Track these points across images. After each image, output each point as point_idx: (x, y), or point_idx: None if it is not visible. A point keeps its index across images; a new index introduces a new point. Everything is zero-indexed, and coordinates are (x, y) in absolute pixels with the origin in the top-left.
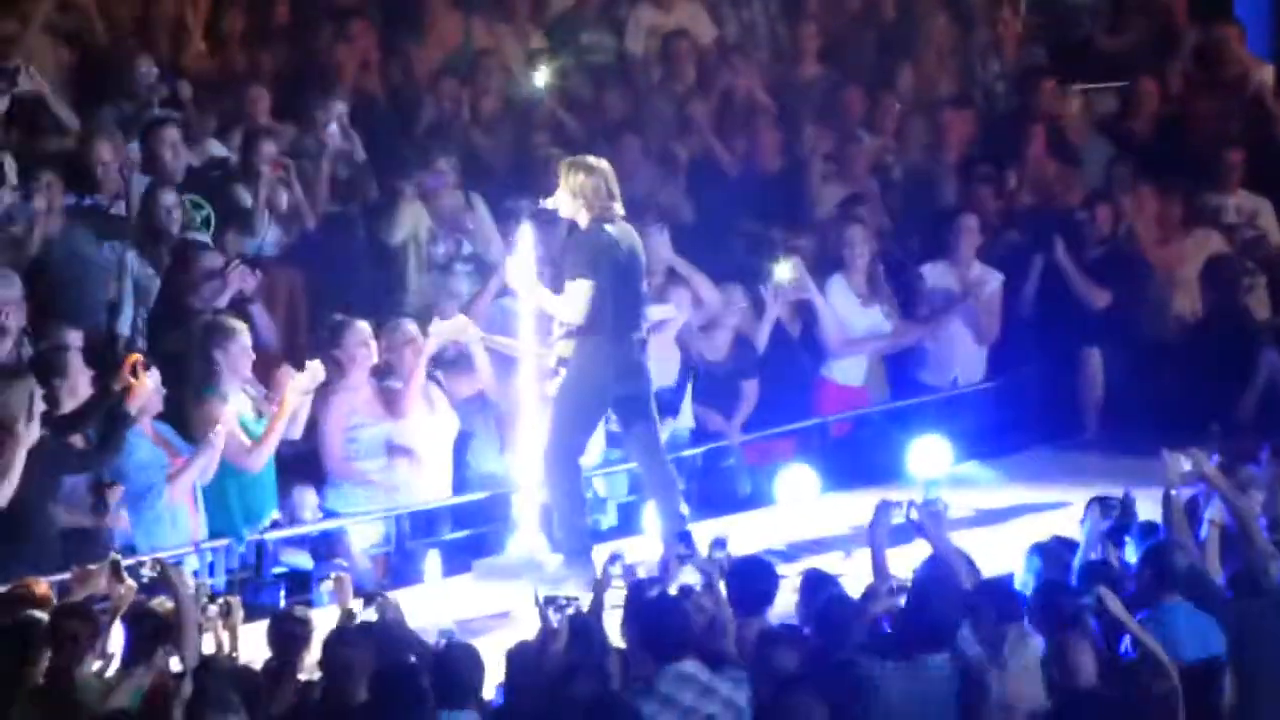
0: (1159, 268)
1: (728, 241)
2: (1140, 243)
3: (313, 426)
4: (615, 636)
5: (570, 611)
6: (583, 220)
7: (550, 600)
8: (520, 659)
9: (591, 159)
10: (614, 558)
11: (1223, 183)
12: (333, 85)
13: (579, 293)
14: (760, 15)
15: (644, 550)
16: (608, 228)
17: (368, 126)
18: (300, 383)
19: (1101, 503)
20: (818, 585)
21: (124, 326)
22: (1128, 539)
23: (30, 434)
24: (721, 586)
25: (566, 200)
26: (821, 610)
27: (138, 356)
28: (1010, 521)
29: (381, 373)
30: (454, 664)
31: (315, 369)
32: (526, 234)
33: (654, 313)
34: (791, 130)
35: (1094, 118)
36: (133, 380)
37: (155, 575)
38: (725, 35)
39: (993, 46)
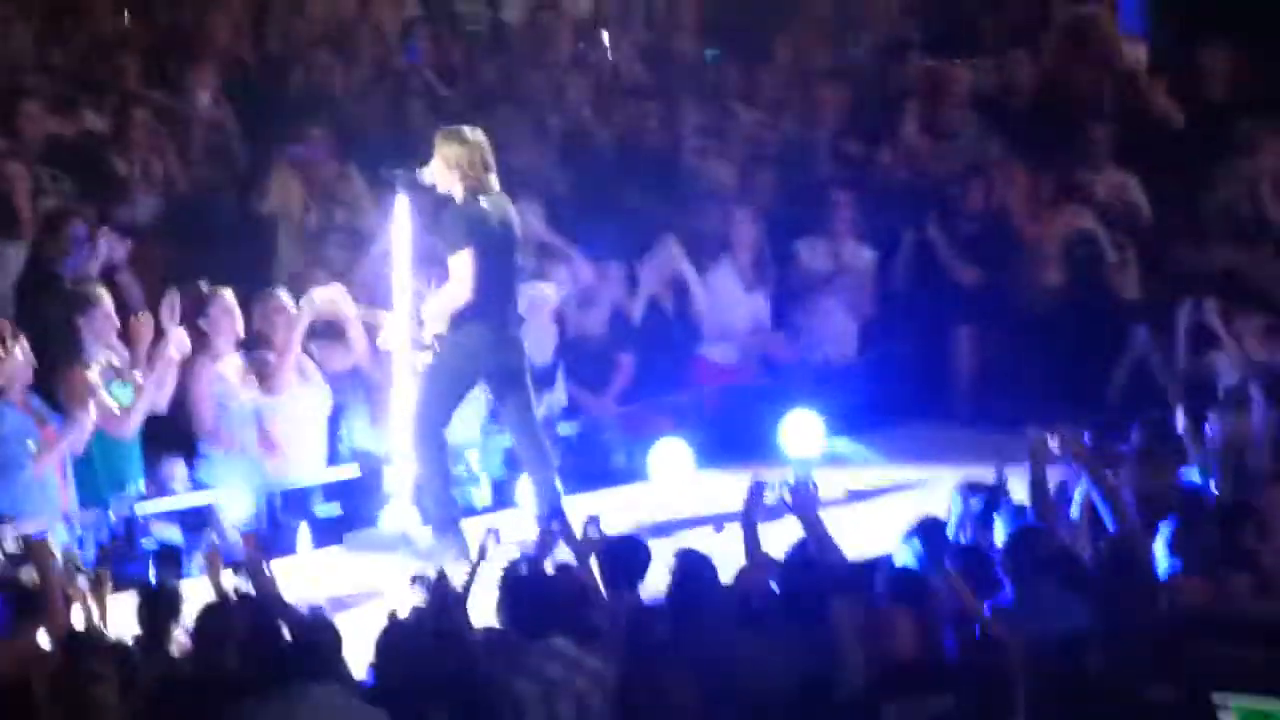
0: (1029, 243)
1: (602, 216)
2: (1011, 218)
3: (181, 397)
4: (489, 612)
5: (437, 588)
6: (457, 192)
7: (417, 578)
8: (388, 638)
9: (466, 130)
10: (490, 532)
11: (1091, 158)
12: (204, 52)
13: (461, 264)
14: None
15: (518, 525)
16: (481, 200)
17: (241, 95)
18: (170, 346)
19: (969, 486)
20: (691, 564)
21: None
22: (996, 518)
23: None
24: (594, 563)
25: (441, 171)
26: (691, 588)
27: (4, 323)
28: (882, 498)
29: (253, 343)
30: (311, 634)
31: (179, 337)
32: (402, 204)
33: (531, 291)
34: (668, 105)
35: (968, 93)
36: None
37: (20, 549)
38: (601, 7)
39: (868, 20)
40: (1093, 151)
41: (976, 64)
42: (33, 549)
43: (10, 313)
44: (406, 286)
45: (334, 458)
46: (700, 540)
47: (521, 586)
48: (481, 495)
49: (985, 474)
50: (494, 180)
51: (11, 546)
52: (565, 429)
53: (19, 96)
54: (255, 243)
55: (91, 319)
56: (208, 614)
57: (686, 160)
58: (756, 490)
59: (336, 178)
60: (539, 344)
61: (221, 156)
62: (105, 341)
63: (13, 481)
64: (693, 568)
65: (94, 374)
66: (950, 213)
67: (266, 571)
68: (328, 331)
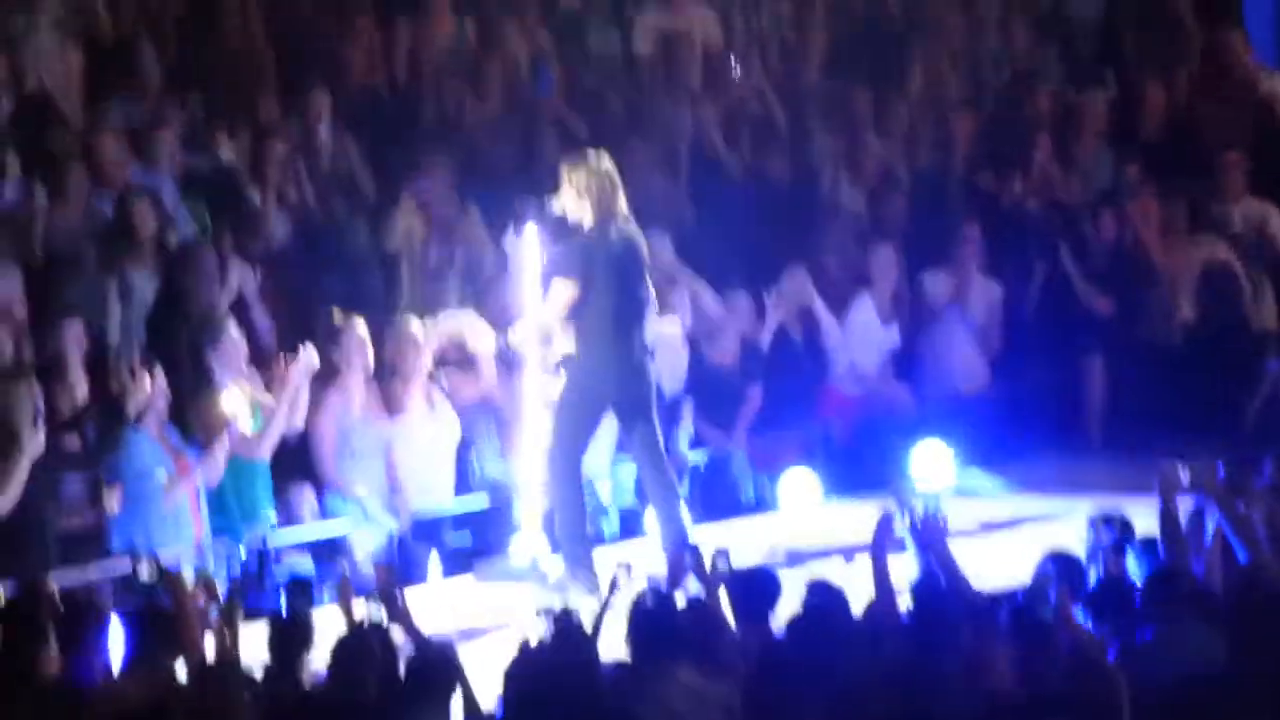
0: (1163, 274)
1: (732, 247)
2: (1144, 249)
3: (309, 428)
4: (618, 643)
5: (564, 622)
6: (588, 220)
7: (546, 611)
8: (517, 669)
9: (593, 156)
10: (622, 566)
11: (1226, 189)
12: (336, 81)
13: (558, 291)
14: (768, 21)
15: (646, 555)
16: (610, 228)
17: (369, 124)
18: (300, 367)
19: (1103, 520)
20: (822, 596)
21: (115, 331)
22: (1129, 551)
23: (35, 440)
24: (724, 595)
25: (572, 200)
26: (822, 620)
27: (135, 357)
28: (1014, 530)
29: (383, 373)
30: (435, 667)
31: (310, 354)
32: (531, 235)
33: (660, 322)
34: (799, 136)
35: (1100, 123)
36: (131, 383)
37: (155, 578)
38: (733, 39)
39: (1002, 50)
40: (1229, 182)
41: (1109, 94)
42: (168, 579)
43: (142, 344)
44: (535, 318)
45: (464, 487)
46: (830, 571)
47: (650, 618)
48: (610, 525)
49: (1118, 506)
50: (623, 205)
51: (146, 577)
52: (694, 458)
53: (156, 127)
54: (380, 276)
55: (221, 348)
56: (341, 644)
57: (818, 190)
58: (886, 522)
59: (456, 214)
60: (667, 375)
61: (348, 187)
62: (236, 370)
63: (148, 513)
64: (824, 599)
65: (228, 402)
66: (1082, 244)
67: (400, 601)
68: (458, 361)
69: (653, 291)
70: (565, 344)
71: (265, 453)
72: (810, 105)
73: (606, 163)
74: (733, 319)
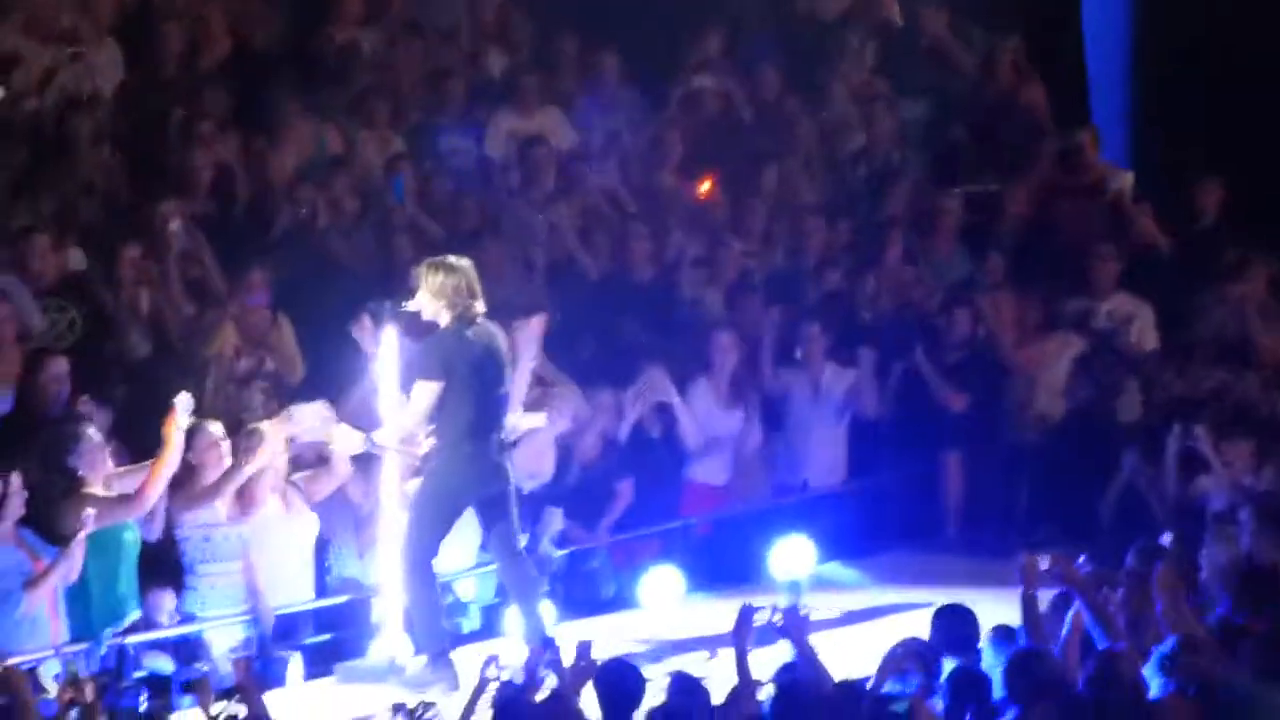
0: (1018, 370)
1: (587, 344)
2: (999, 346)
3: (168, 529)
4: None
5: (427, 716)
6: (444, 320)
7: (399, 707)
8: None
9: (452, 259)
10: (489, 660)
11: (1096, 285)
12: (187, 188)
13: (420, 394)
14: (622, 122)
15: (507, 653)
16: (467, 329)
17: (224, 231)
18: (178, 420)
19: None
20: (683, 689)
21: None
22: (981, 646)
23: None
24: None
25: (428, 301)
26: (684, 711)
27: None
28: (872, 621)
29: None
30: None
31: (184, 399)
32: (390, 337)
33: (524, 422)
34: (657, 235)
35: (955, 221)
36: None
37: None
38: (588, 141)
39: (862, 151)
40: (1100, 277)
41: (964, 193)
42: (8, 677)
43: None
44: (394, 417)
45: (322, 589)
46: (693, 666)
47: (514, 714)
48: (471, 622)
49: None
50: (480, 307)
51: None
52: (557, 556)
53: (30, 233)
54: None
55: (82, 453)
56: None
57: (676, 289)
58: (746, 614)
59: (269, 325)
60: (533, 473)
61: (201, 290)
62: (100, 471)
63: (5, 617)
64: (685, 691)
65: (96, 491)
66: (937, 341)
67: (258, 700)
68: (312, 460)
69: (515, 388)
70: (425, 443)
71: (147, 503)
72: (667, 206)
73: (464, 263)
74: (597, 416)
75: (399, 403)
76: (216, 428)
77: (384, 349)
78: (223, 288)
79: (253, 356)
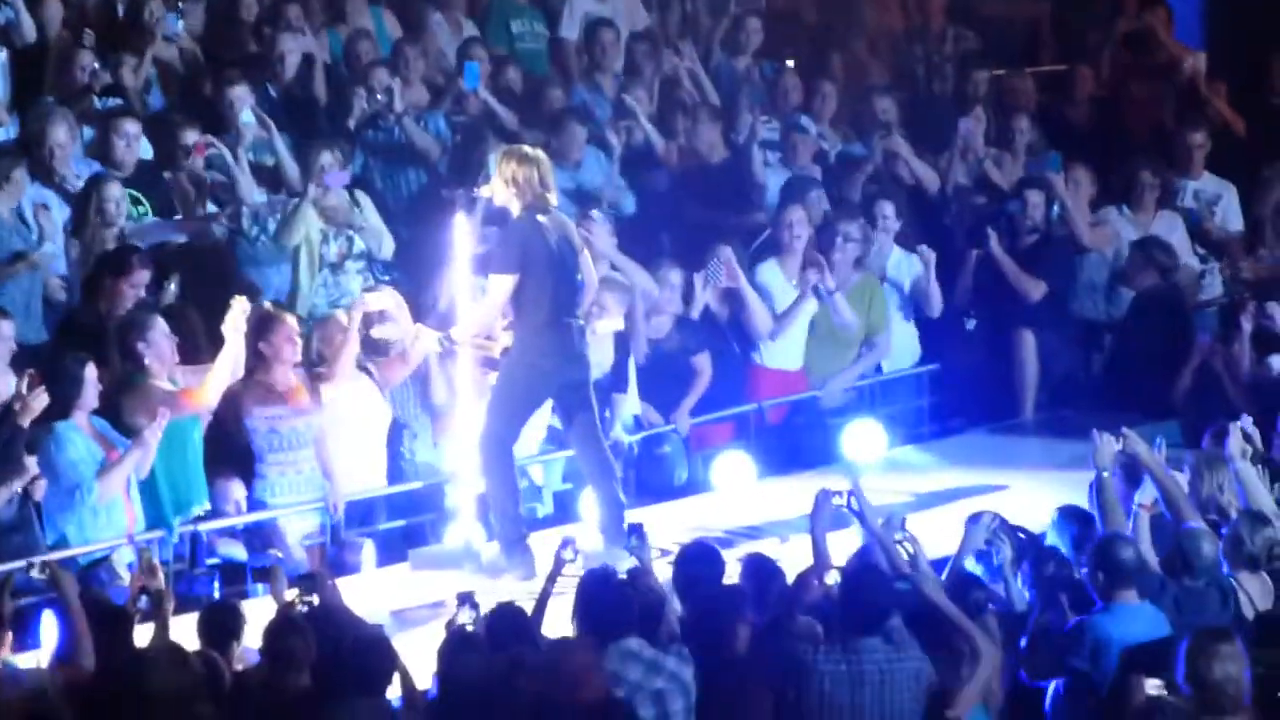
0: (1093, 249)
1: (665, 229)
2: (1073, 226)
3: (237, 417)
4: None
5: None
6: (515, 209)
7: (464, 597)
8: (451, 649)
9: (527, 148)
10: (566, 542)
11: (1186, 164)
12: (263, 72)
13: (496, 286)
14: (702, 5)
15: (582, 538)
16: (539, 217)
17: (299, 116)
18: (234, 319)
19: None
20: (758, 571)
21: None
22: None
23: None
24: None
25: (500, 189)
26: (762, 595)
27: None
28: (947, 505)
29: (313, 364)
30: (365, 651)
31: (241, 302)
32: (462, 224)
33: (601, 326)
34: (730, 119)
35: (1028, 103)
36: (24, 393)
37: (44, 575)
38: (665, 22)
39: (925, 32)
40: (1189, 158)
41: (1037, 75)
42: (54, 576)
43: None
44: (471, 311)
45: (396, 474)
46: (765, 550)
47: (597, 592)
48: (544, 508)
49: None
50: (553, 198)
51: (37, 575)
52: (628, 439)
53: (117, 116)
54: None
55: (150, 341)
56: (273, 631)
57: (749, 170)
58: (823, 498)
59: (349, 206)
60: (605, 358)
61: (274, 176)
62: (167, 360)
63: (79, 505)
64: (760, 573)
65: (163, 383)
66: (1012, 226)
67: (330, 586)
68: (381, 345)
69: (591, 275)
70: (502, 337)
71: (211, 399)
72: (741, 88)
73: (538, 154)
74: (668, 296)
75: (474, 292)
76: (291, 320)
77: (457, 236)
78: (297, 175)
79: (340, 238)
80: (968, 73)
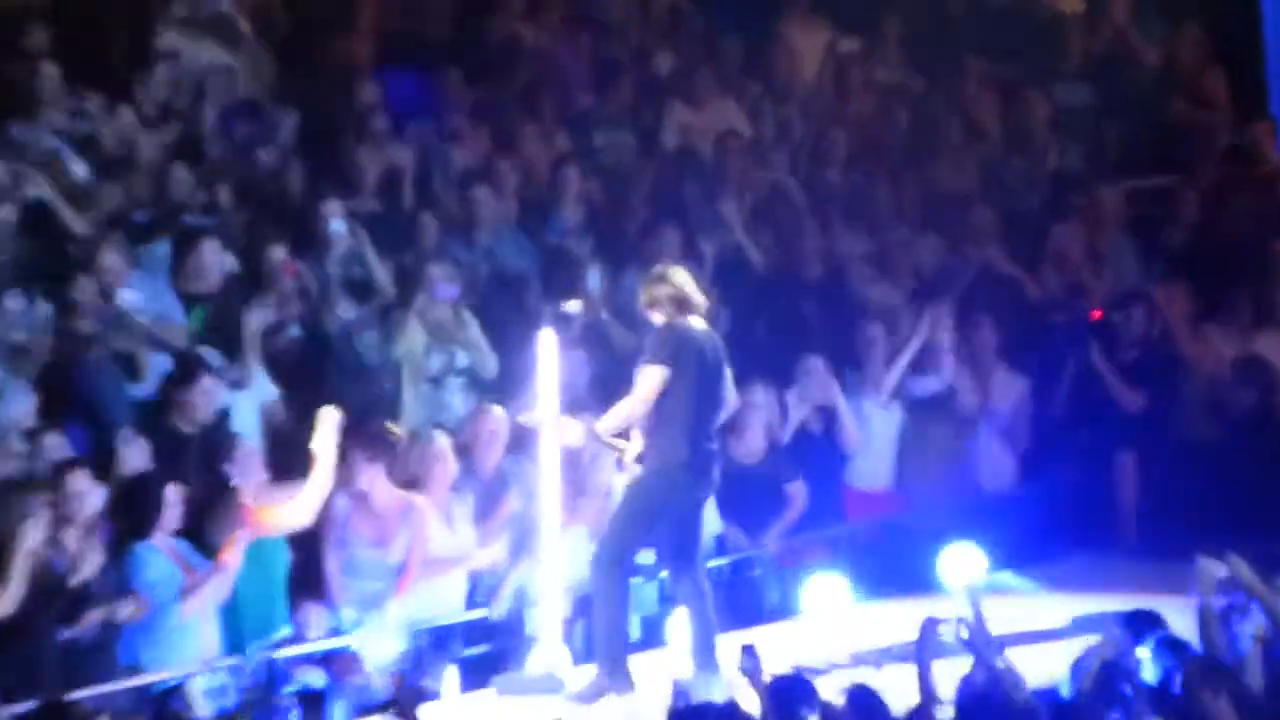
0: (1195, 366)
1: (757, 342)
2: (1174, 340)
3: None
4: None
5: None
6: (659, 321)
7: None
8: None
9: (664, 268)
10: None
11: (1273, 276)
12: (354, 187)
13: (647, 379)
14: (796, 114)
15: (672, 663)
16: (691, 321)
17: (389, 229)
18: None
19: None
20: (863, 704)
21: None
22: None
23: (34, 548)
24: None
25: (647, 309)
26: None
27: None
28: (1051, 632)
29: (408, 485)
30: None
31: (330, 412)
32: (549, 340)
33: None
34: (825, 231)
35: (1123, 216)
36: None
37: None
38: (758, 130)
39: (1022, 143)
40: (1273, 268)
41: (1133, 187)
42: None
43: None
44: (553, 426)
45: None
46: (861, 678)
47: None
48: (632, 632)
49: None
50: (701, 304)
51: None
52: (715, 563)
53: (199, 235)
54: (374, 386)
55: (236, 461)
56: None
57: (844, 284)
58: (930, 627)
59: (452, 320)
60: None
61: (364, 291)
62: (255, 478)
63: (159, 628)
64: (865, 706)
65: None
66: (1113, 338)
67: (412, 712)
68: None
69: (732, 394)
70: (635, 439)
71: (307, 516)
72: (835, 200)
73: (675, 271)
74: (758, 414)
75: (556, 412)
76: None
77: (543, 354)
78: (389, 286)
79: (443, 352)
80: (1065, 184)
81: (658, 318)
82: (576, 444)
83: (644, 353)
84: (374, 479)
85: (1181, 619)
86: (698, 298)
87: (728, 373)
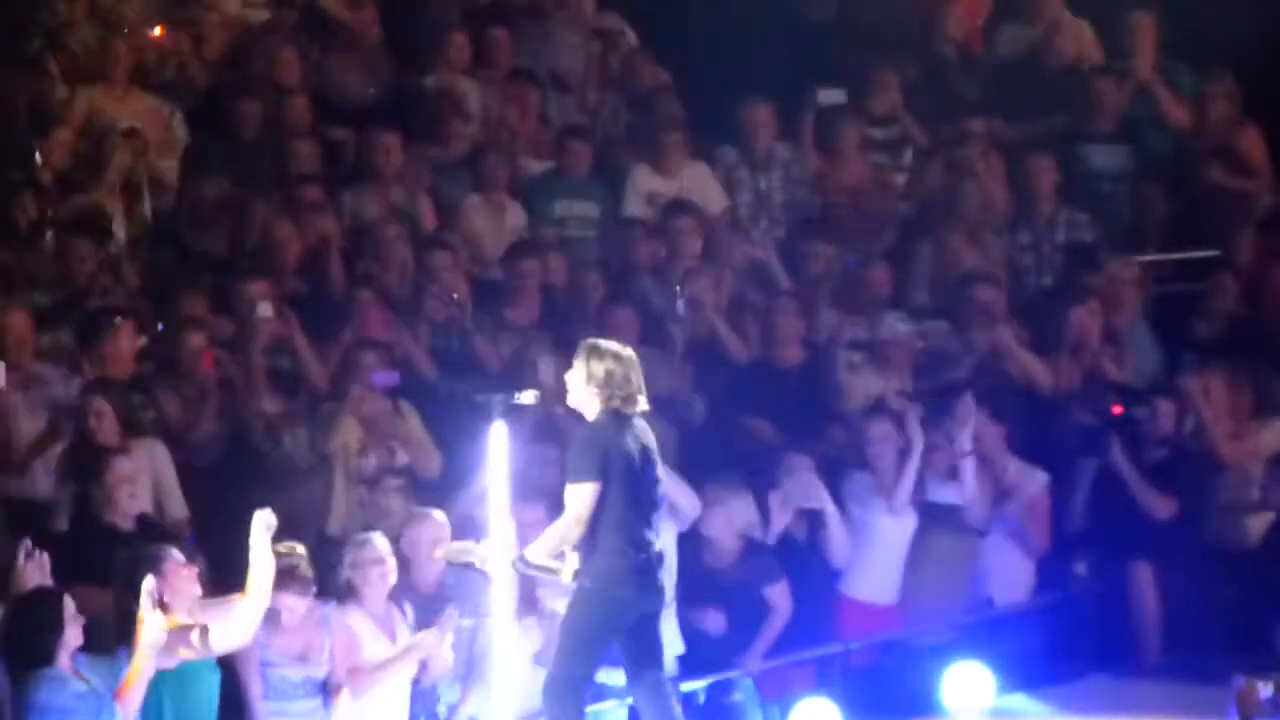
0: (1232, 465)
1: (732, 439)
2: (1210, 437)
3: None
4: None
5: None
6: (590, 411)
7: None
8: None
9: (616, 345)
10: None
11: None
12: (272, 267)
13: (578, 499)
14: (778, 184)
15: None
16: (621, 422)
17: (319, 313)
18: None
19: None
20: None
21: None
22: None
23: None
24: None
25: (580, 387)
26: None
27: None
28: None
29: (342, 595)
30: None
31: (264, 516)
32: (499, 434)
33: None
34: (809, 315)
35: (1142, 296)
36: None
37: None
38: (736, 204)
39: (1032, 216)
40: None
41: (1160, 263)
42: None
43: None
44: (506, 525)
45: None
46: None
47: None
48: None
49: None
50: (643, 404)
51: None
52: (690, 686)
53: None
54: (303, 488)
55: (165, 575)
56: None
57: (830, 373)
58: None
59: (391, 415)
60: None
61: (294, 382)
62: (186, 594)
63: None
64: None
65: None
66: (1137, 436)
67: None
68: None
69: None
70: (570, 559)
71: (243, 639)
72: (820, 281)
73: (627, 353)
74: (733, 516)
75: (507, 512)
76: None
77: (493, 448)
78: (321, 378)
79: (381, 449)
80: (1079, 260)
81: (584, 398)
82: (502, 574)
83: (569, 467)
84: (282, 597)
85: None
86: (640, 384)
87: (662, 469)
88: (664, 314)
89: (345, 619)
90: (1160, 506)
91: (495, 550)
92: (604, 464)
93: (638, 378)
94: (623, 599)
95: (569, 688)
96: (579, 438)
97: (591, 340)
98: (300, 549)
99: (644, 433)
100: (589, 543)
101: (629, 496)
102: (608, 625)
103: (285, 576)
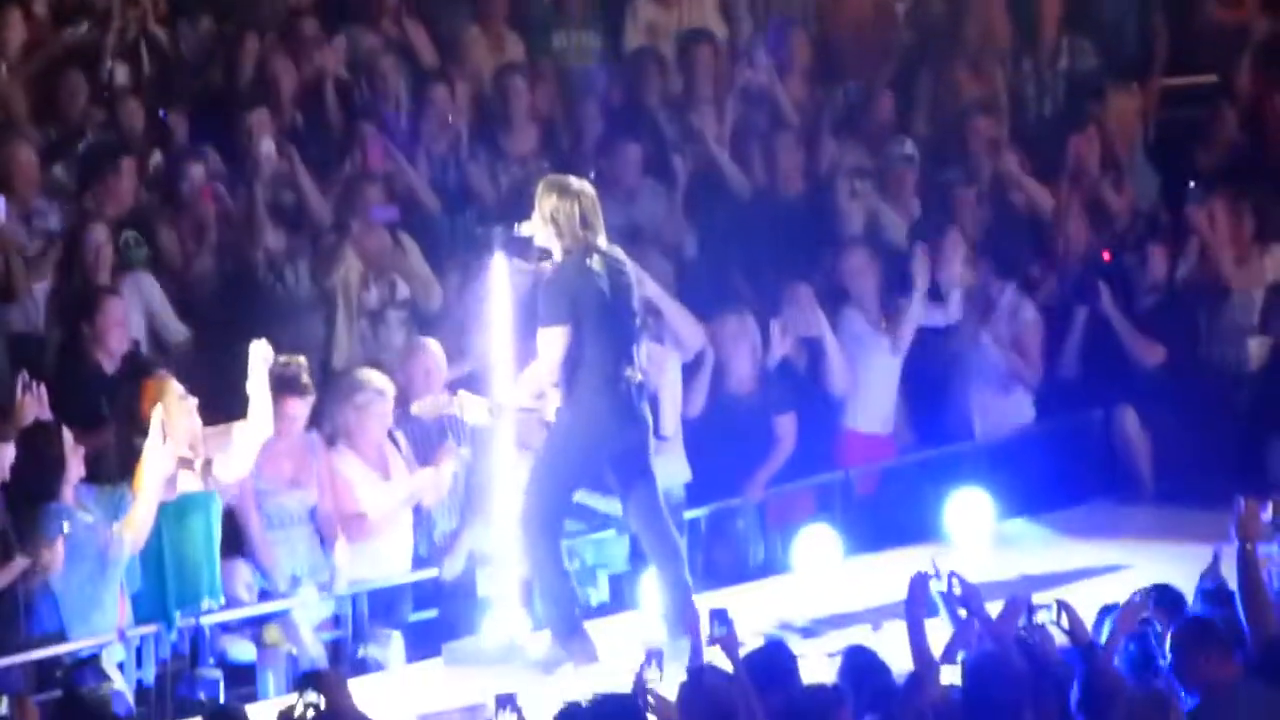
0: (1236, 290)
1: (733, 270)
2: (1215, 262)
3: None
4: None
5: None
6: (556, 251)
7: (505, 700)
8: None
9: (571, 180)
10: (651, 656)
11: None
12: (269, 100)
13: (549, 343)
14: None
15: (645, 627)
16: (588, 262)
17: (321, 148)
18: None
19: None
20: (860, 667)
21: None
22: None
23: None
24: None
25: (539, 227)
26: (865, 695)
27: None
28: (1066, 586)
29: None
30: None
31: (260, 347)
32: (500, 267)
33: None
34: (812, 144)
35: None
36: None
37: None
38: (737, 32)
39: (1036, 45)
40: None
41: (1160, 91)
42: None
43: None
44: (508, 359)
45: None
46: (855, 639)
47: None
48: (599, 593)
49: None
50: (600, 240)
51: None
52: (692, 514)
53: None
54: (307, 321)
55: (166, 405)
56: None
57: (833, 204)
58: (919, 583)
59: (390, 249)
60: (663, 417)
61: (297, 216)
62: (189, 428)
63: (69, 594)
64: (861, 669)
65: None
66: (1127, 284)
67: (340, 686)
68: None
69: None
70: (552, 396)
71: (243, 470)
72: (824, 110)
73: (582, 187)
74: (740, 343)
75: (514, 348)
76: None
77: (494, 281)
78: (323, 212)
79: (382, 283)
80: (1081, 88)
81: (548, 237)
82: (482, 421)
83: (539, 312)
84: (284, 403)
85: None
86: (597, 220)
87: (638, 302)
88: (671, 147)
89: (334, 461)
90: (1151, 354)
91: (471, 399)
92: (572, 306)
93: (595, 212)
94: (601, 434)
95: (544, 519)
96: (546, 281)
97: (550, 176)
98: (301, 359)
99: (615, 265)
100: (567, 383)
101: (602, 335)
102: (585, 458)
103: (289, 383)
